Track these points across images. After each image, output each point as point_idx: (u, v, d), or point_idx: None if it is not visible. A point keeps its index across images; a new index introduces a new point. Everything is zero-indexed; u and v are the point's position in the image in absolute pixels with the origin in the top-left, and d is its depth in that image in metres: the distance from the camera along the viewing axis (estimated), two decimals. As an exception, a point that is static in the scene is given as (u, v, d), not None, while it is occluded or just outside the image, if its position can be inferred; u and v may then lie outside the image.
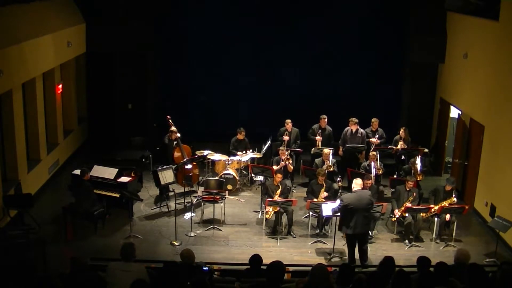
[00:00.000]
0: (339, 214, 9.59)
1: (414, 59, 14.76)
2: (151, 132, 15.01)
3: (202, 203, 11.65)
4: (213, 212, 11.17)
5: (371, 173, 11.40)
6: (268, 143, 13.37)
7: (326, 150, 12.04)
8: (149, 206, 11.87)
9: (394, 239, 10.77)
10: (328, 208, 9.94)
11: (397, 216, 10.67)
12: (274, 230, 10.73)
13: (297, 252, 10.13)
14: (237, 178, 12.49)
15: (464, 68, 13.03)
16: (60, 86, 13.48)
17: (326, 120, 13.18)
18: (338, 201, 9.76)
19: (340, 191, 11.36)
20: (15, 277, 5.68)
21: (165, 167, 11.73)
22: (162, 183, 11.53)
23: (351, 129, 13.01)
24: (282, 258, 7.00)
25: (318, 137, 13.01)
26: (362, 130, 13.06)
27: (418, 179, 11.33)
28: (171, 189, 11.51)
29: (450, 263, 6.97)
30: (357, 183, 9.46)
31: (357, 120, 12.96)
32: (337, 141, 13.34)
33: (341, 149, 13.10)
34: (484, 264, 9.21)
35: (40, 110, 12.17)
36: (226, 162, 12.52)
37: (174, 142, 12.33)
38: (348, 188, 12.14)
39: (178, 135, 12.34)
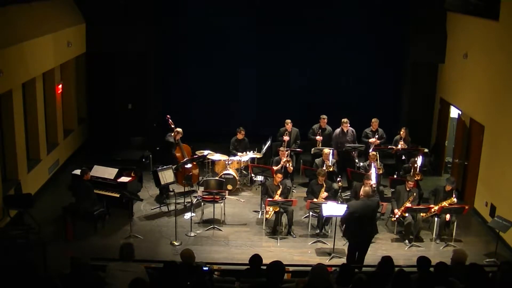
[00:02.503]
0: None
1: (414, 59, 14.76)
2: (151, 132, 15.00)
3: (202, 203, 11.65)
4: (213, 212, 11.17)
5: (370, 173, 11.40)
6: (268, 143, 13.37)
7: (326, 150, 12.03)
8: (149, 206, 11.86)
9: (394, 239, 10.76)
10: (328, 208, 9.93)
11: (397, 216, 10.67)
12: (274, 230, 10.73)
13: (297, 252, 10.13)
14: (237, 178, 12.49)
15: (464, 68, 13.03)
16: (60, 86, 13.48)
17: (326, 120, 13.19)
18: (344, 208, 9.52)
19: (340, 191, 11.36)
20: (15, 277, 5.67)
21: (165, 167, 11.72)
22: (162, 183, 11.53)
23: (342, 129, 13.03)
24: (282, 258, 7.00)
25: (318, 137, 13.01)
26: (351, 128, 13.09)
27: (416, 178, 11.32)
28: (171, 189, 11.51)
29: (450, 263, 6.97)
30: (365, 191, 9.03)
31: (347, 120, 13.02)
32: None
33: (336, 152, 13.06)
34: (484, 264, 9.20)
35: (40, 110, 12.17)
36: (226, 162, 12.52)
37: (176, 142, 12.31)
38: (348, 188, 12.20)
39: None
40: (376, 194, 10.57)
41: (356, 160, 12.79)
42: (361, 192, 9.11)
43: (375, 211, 9.17)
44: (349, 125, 13.06)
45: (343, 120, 13.05)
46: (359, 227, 8.93)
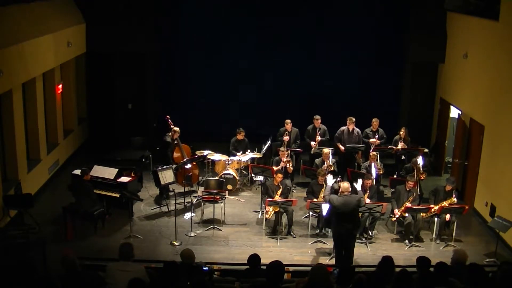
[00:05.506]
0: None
1: (414, 59, 14.77)
2: (151, 132, 15.01)
3: (202, 203, 11.65)
4: (213, 212, 11.17)
5: (371, 173, 11.39)
6: (268, 143, 13.37)
7: (326, 150, 12.02)
8: (149, 206, 11.86)
9: (394, 239, 10.76)
10: (327, 209, 9.92)
11: (397, 216, 10.67)
12: (274, 230, 10.73)
13: (297, 252, 10.13)
14: (237, 178, 12.49)
15: (464, 68, 13.03)
16: (60, 86, 13.48)
17: (319, 120, 13.11)
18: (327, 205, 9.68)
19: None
20: (15, 277, 5.67)
21: (165, 167, 11.72)
22: (162, 183, 11.52)
23: (348, 129, 12.99)
24: (282, 258, 7.00)
25: (313, 143, 12.97)
26: (357, 129, 13.05)
27: (422, 178, 11.31)
28: (171, 189, 11.51)
29: (450, 263, 6.97)
30: (344, 187, 9.13)
31: (354, 119, 12.96)
32: (332, 139, 13.29)
33: (340, 146, 12.98)
34: (484, 264, 9.21)
35: (40, 110, 12.17)
36: (226, 162, 12.52)
37: (174, 142, 12.32)
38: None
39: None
40: (365, 192, 10.37)
41: (361, 163, 12.66)
42: (340, 189, 9.18)
43: (355, 209, 9.10)
44: (354, 123, 12.94)
45: (348, 118, 12.96)
46: (340, 221, 9.00)
